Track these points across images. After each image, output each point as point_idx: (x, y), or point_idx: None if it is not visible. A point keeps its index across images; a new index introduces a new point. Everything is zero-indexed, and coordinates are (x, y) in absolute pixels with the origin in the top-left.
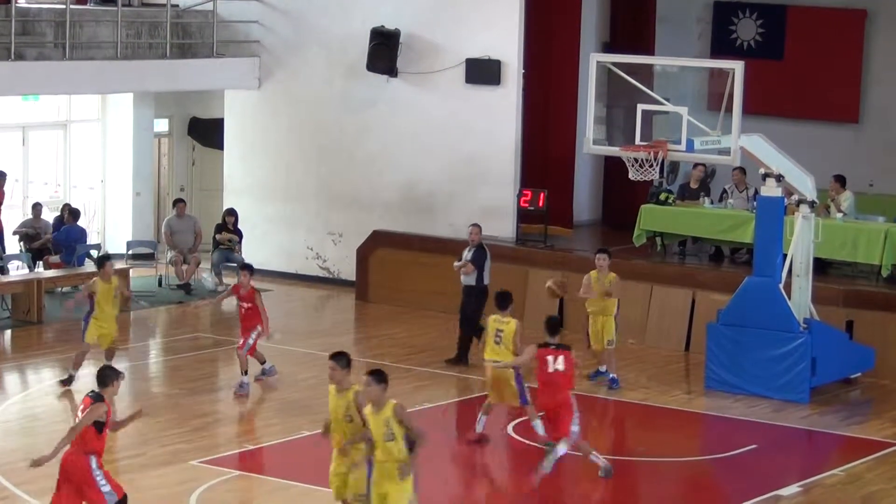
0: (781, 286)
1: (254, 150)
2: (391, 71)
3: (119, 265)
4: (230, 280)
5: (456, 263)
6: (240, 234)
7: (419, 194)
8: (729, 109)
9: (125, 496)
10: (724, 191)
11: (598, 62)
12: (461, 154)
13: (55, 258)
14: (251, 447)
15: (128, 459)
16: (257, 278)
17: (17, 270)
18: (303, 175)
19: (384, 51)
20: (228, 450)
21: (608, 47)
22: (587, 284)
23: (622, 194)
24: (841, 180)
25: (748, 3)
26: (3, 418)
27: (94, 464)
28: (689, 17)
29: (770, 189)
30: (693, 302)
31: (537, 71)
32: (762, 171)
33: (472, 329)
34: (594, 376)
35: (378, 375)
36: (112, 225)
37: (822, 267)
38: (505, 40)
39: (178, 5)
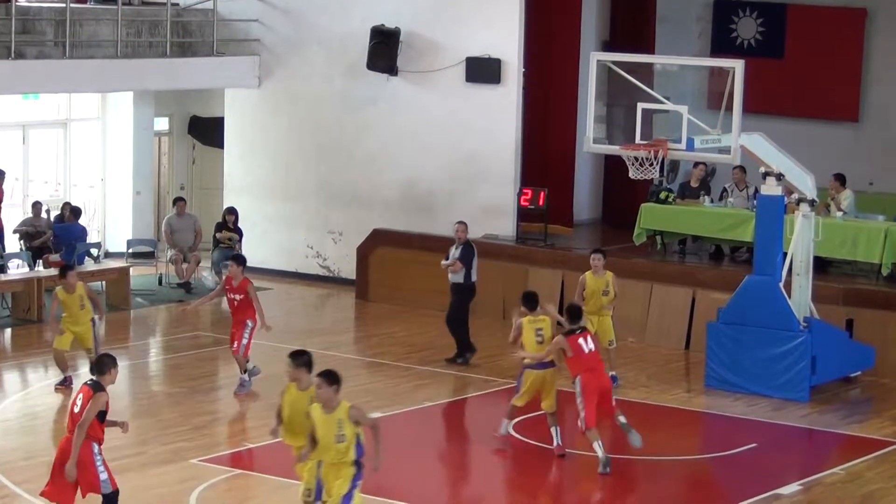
0: (781, 285)
1: (254, 149)
2: (391, 69)
3: (120, 264)
4: None
5: (443, 262)
6: (240, 233)
7: (419, 193)
8: (729, 108)
9: (118, 491)
10: (725, 189)
11: (598, 61)
12: (461, 153)
13: (55, 257)
14: (251, 446)
15: (128, 458)
16: (258, 277)
17: (18, 269)
18: (303, 174)
19: (384, 49)
20: (229, 448)
21: (608, 46)
22: (582, 285)
23: (622, 193)
24: (841, 179)
25: (748, 2)
26: (3, 417)
27: (95, 449)
28: (690, 15)
29: (770, 188)
30: (693, 300)
31: (537, 70)
32: (762, 169)
33: (463, 327)
34: None
35: (330, 377)
36: (112, 223)
37: (822, 265)
38: (505, 39)
39: (178, 4)
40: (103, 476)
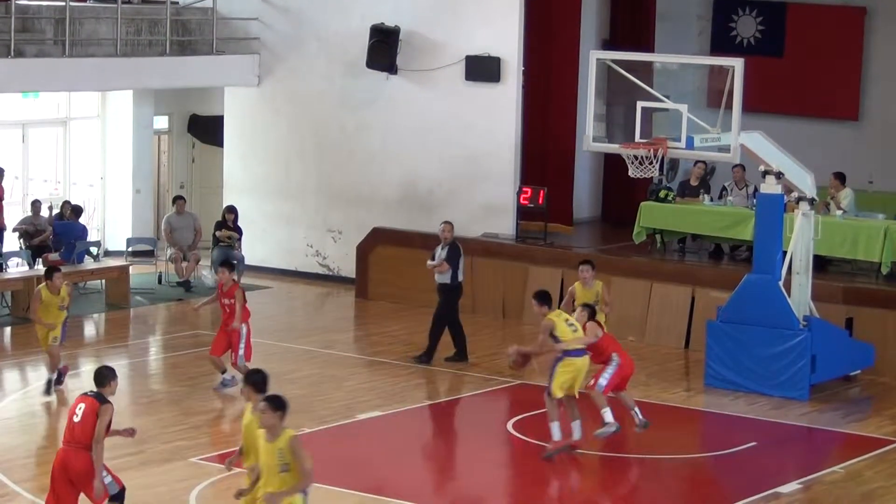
0: (781, 283)
1: (254, 148)
2: (391, 68)
3: (119, 262)
4: None
5: (429, 262)
6: (240, 232)
7: (419, 191)
8: (729, 106)
9: (124, 488)
10: (724, 188)
11: (597, 59)
12: (461, 151)
13: (55, 255)
14: None
15: (128, 457)
16: (257, 275)
17: (17, 267)
18: (303, 172)
19: (384, 48)
20: (229, 447)
21: (608, 44)
22: (571, 296)
23: (622, 191)
24: (840, 177)
25: (748, 1)
26: (3, 415)
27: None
28: (690, 14)
29: (770, 186)
30: (693, 299)
31: (537, 68)
32: (762, 168)
33: (455, 325)
34: None
35: (274, 402)
36: (112, 222)
37: (821, 264)
38: (505, 37)
39: (177, 2)
40: (107, 479)
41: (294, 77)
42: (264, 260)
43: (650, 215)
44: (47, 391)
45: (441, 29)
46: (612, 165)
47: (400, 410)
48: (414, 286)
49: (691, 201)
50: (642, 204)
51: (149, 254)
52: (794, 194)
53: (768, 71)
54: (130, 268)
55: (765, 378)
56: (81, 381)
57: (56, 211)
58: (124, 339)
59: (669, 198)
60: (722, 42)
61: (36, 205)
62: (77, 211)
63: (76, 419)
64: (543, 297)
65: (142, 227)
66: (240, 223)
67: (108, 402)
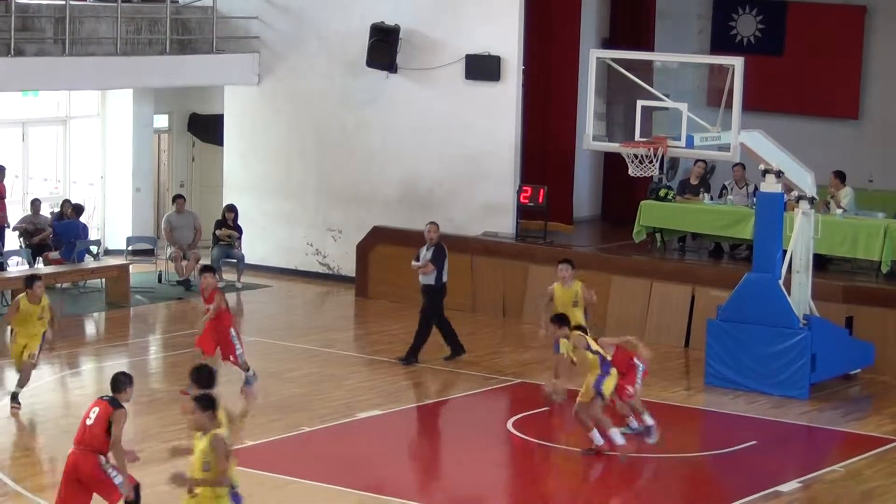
0: (781, 282)
1: (254, 147)
2: (391, 67)
3: (119, 261)
4: (230, 276)
5: (414, 263)
6: (240, 231)
7: (419, 190)
8: (729, 105)
9: (138, 484)
10: (724, 187)
11: (598, 58)
12: (461, 150)
13: (55, 254)
14: (251, 443)
15: None
16: (257, 274)
17: (17, 266)
18: (303, 171)
19: (384, 47)
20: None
21: (608, 43)
22: (549, 296)
23: (622, 190)
24: (840, 176)
25: None
26: (3, 414)
27: (102, 461)
28: (689, 12)
29: (770, 185)
30: (693, 298)
31: (537, 67)
32: (762, 167)
33: (442, 323)
34: None
35: (202, 401)
36: (112, 221)
37: (821, 263)
38: (505, 36)
39: (177, 1)
40: (118, 479)
41: (294, 76)
42: (264, 259)
43: (650, 214)
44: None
45: (441, 28)
46: (613, 164)
47: (399, 409)
48: (414, 285)
49: (691, 200)
50: (642, 203)
51: (149, 252)
52: (794, 193)
53: (768, 70)
54: (130, 266)
55: (765, 377)
56: (82, 379)
57: (56, 210)
58: (124, 338)
59: (669, 197)
60: (722, 41)
61: (36, 203)
62: (78, 210)
63: (89, 422)
64: (562, 319)
65: (142, 226)
66: (240, 222)
67: (122, 407)
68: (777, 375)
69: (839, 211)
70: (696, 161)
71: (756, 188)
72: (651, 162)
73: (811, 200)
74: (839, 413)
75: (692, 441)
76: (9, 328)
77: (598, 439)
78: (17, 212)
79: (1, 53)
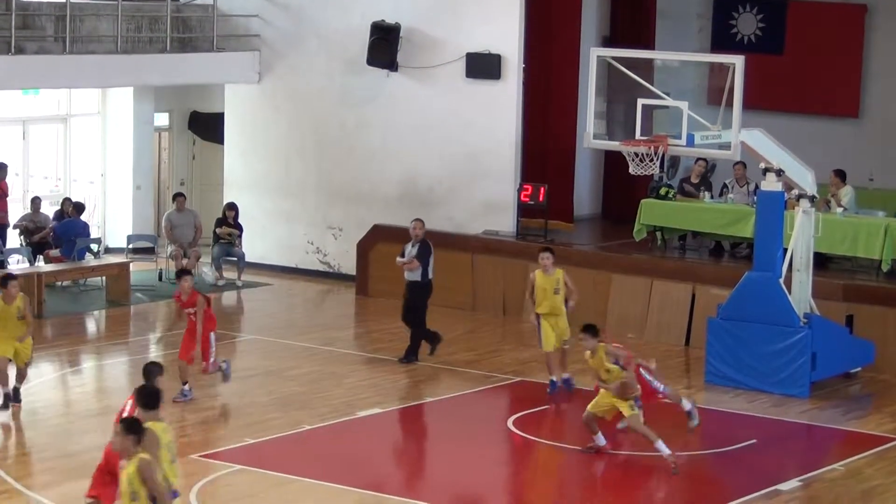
0: (781, 281)
1: (254, 145)
2: (391, 65)
3: (120, 259)
4: (230, 274)
5: (399, 259)
6: (240, 229)
7: (419, 189)
8: (729, 104)
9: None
10: (725, 185)
11: (598, 57)
12: (461, 148)
13: (55, 252)
14: (251, 441)
15: None
16: (258, 272)
17: (18, 264)
18: (303, 169)
19: (384, 45)
20: (229, 444)
21: (608, 42)
22: (531, 283)
23: (622, 189)
24: (841, 175)
25: None
26: (2, 413)
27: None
28: (690, 11)
29: (770, 184)
30: (693, 296)
31: (537, 65)
32: (762, 165)
33: (421, 324)
34: (553, 389)
35: (127, 425)
36: (112, 219)
37: (822, 261)
38: (505, 35)
39: None
40: None
41: (294, 74)
42: (264, 257)
43: (651, 212)
44: (4, 405)
45: (441, 26)
46: (613, 163)
47: (400, 407)
48: None
49: (692, 199)
50: (643, 201)
51: (149, 251)
52: (795, 191)
53: (769, 68)
54: (131, 265)
55: (765, 375)
56: (83, 377)
57: (56, 208)
58: (125, 336)
59: (670, 195)
60: (722, 39)
61: (36, 201)
62: (79, 208)
63: (125, 415)
64: (595, 330)
65: (142, 224)
66: (240, 220)
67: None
68: (777, 374)
69: (839, 209)
70: (697, 160)
71: (757, 187)
72: (651, 160)
73: (812, 199)
74: (839, 411)
75: (692, 439)
76: None
77: (601, 441)
78: (17, 210)
79: (1, 51)
